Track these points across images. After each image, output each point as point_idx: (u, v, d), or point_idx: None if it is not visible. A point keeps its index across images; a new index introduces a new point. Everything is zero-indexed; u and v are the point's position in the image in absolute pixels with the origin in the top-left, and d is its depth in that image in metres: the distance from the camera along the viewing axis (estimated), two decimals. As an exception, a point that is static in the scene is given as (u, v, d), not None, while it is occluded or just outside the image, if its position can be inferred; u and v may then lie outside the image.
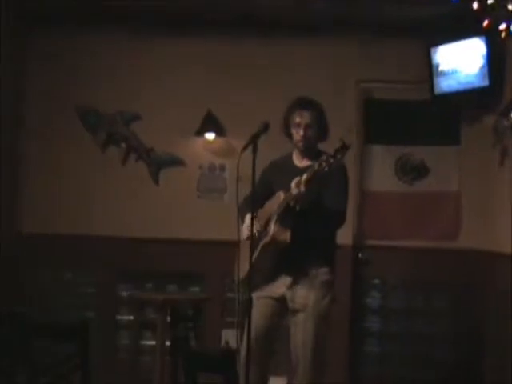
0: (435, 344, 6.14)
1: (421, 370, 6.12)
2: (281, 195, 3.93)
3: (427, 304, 6.22)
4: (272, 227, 3.92)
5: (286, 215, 3.90)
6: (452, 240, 6.14)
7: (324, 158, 3.70)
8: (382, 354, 6.26)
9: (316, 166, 3.72)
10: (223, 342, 6.04)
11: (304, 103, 4.12)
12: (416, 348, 6.18)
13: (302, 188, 3.75)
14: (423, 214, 6.21)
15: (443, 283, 6.12)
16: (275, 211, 3.94)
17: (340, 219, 4.02)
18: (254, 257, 3.88)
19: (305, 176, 3.76)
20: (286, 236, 3.90)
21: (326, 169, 3.68)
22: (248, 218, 3.96)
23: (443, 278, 6.09)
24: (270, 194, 4.09)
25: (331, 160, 3.68)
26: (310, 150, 4.13)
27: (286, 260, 3.98)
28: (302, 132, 4.07)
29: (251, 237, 3.73)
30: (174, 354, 5.45)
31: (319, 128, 4.11)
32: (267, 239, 3.94)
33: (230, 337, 5.95)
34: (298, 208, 3.84)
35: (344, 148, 3.70)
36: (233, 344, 5.76)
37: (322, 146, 4.17)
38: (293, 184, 3.80)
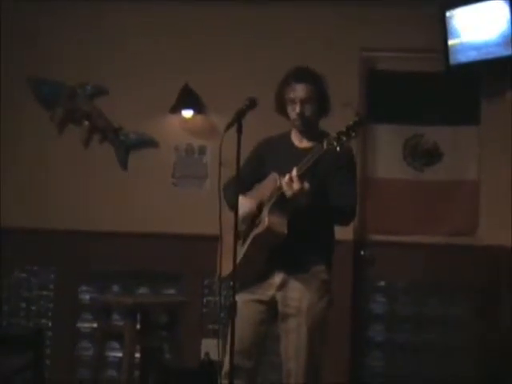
0: (451, 358, 6.13)
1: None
2: (277, 178, 3.89)
3: (441, 310, 6.21)
4: (267, 215, 3.87)
5: (283, 202, 3.86)
6: (469, 235, 6.15)
7: (334, 135, 3.64)
8: (387, 368, 6.26)
9: (325, 144, 3.65)
10: (203, 354, 6.03)
11: (299, 75, 4.07)
12: (428, 362, 6.16)
13: (296, 186, 3.71)
14: (436, 205, 6.22)
15: (459, 286, 6.12)
16: (269, 198, 3.90)
17: (350, 214, 4.00)
18: (244, 250, 3.84)
19: (295, 172, 3.70)
20: (283, 227, 3.86)
21: (338, 149, 3.63)
22: (241, 198, 3.90)
23: (459, 280, 6.09)
24: (261, 176, 4.05)
25: (344, 138, 3.63)
26: (310, 130, 4.09)
27: (279, 255, 3.95)
28: (298, 109, 4.03)
29: (236, 226, 3.68)
30: (144, 368, 5.44)
31: (319, 103, 4.07)
32: (261, 229, 3.88)
33: (210, 348, 5.94)
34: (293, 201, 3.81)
35: (359, 124, 3.65)
36: (214, 356, 5.75)
37: (322, 125, 4.14)
38: (284, 182, 3.74)
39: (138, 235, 6.14)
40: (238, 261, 3.69)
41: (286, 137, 4.17)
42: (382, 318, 6.27)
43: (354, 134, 3.64)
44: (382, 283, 6.28)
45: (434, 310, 6.21)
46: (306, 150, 3.95)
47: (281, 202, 3.85)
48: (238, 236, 3.81)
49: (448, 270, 6.06)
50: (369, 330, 6.28)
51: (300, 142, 4.12)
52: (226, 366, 3.83)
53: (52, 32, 6.29)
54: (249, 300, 3.98)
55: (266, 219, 3.86)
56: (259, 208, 3.96)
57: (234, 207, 3.79)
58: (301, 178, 3.73)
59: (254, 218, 3.96)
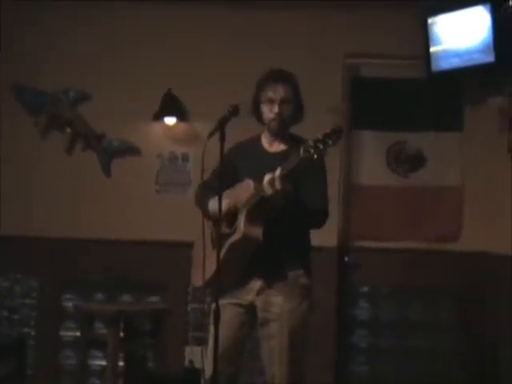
0: (434, 363, 6.14)
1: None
2: (250, 185, 3.88)
3: (424, 315, 6.22)
4: (242, 222, 3.87)
5: (258, 209, 3.86)
6: (453, 241, 6.17)
7: (311, 143, 3.61)
8: (372, 374, 6.26)
9: (301, 152, 3.61)
10: (187, 362, 6.01)
11: (278, 75, 4.08)
12: (412, 367, 6.18)
13: (278, 185, 3.71)
14: (419, 211, 6.24)
15: (443, 291, 6.14)
16: (244, 204, 3.90)
17: (322, 217, 3.99)
18: (220, 258, 3.82)
19: (279, 171, 3.70)
20: (259, 233, 3.86)
21: (315, 156, 3.62)
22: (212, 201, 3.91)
23: (443, 285, 6.11)
24: (233, 182, 4.05)
25: (320, 146, 3.62)
26: (283, 132, 4.09)
27: (257, 261, 3.94)
28: (276, 109, 4.02)
29: (218, 234, 3.67)
30: (128, 376, 5.43)
31: (295, 106, 4.08)
32: (237, 237, 3.89)
33: (194, 355, 5.93)
34: (272, 204, 3.81)
35: (337, 132, 3.64)
36: (198, 364, 5.73)
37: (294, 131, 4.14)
38: (265, 182, 3.75)
39: (122, 242, 6.12)
40: (215, 269, 3.72)
41: (256, 141, 4.15)
42: (366, 324, 6.27)
43: (330, 142, 3.61)
44: (366, 289, 6.28)
45: (417, 315, 6.22)
46: (276, 154, 3.98)
47: (256, 209, 3.85)
48: (212, 243, 3.83)
49: (432, 276, 6.07)
50: (353, 335, 6.28)
51: (270, 145, 4.11)
52: (209, 372, 3.83)
53: (36, 38, 6.26)
54: (228, 304, 3.96)
55: (241, 226, 3.86)
56: (233, 210, 3.95)
57: (209, 213, 3.80)
58: (283, 178, 3.71)
59: (227, 218, 3.96)
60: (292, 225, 3.92)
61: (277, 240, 3.88)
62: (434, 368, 6.11)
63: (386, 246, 6.15)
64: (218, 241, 3.70)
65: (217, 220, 3.79)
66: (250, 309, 4.01)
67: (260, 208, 3.83)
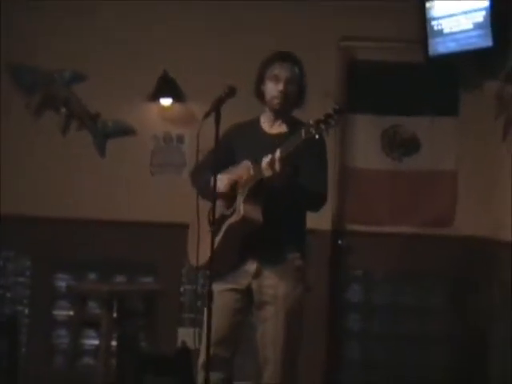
0: (428, 347, 6.15)
1: (411, 377, 6.13)
2: (249, 167, 3.87)
3: (418, 299, 6.23)
4: (242, 204, 3.86)
5: (257, 190, 3.85)
6: (447, 226, 6.18)
7: (312, 123, 3.59)
8: (364, 359, 6.27)
9: (303, 133, 3.60)
10: (179, 343, 6.02)
11: (287, 55, 4.07)
12: (405, 351, 6.18)
13: (278, 167, 3.70)
14: (414, 195, 6.24)
15: (437, 275, 6.15)
16: (243, 185, 3.89)
17: (321, 200, 3.99)
18: (217, 240, 3.82)
19: (278, 153, 3.69)
20: (258, 215, 3.85)
21: (317, 137, 3.60)
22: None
23: (437, 270, 6.11)
24: (229, 163, 4.04)
25: (322, 126, 3.59)
26: (284, 113, 4.08)
27: (253, 243, 3.94)
28: (281, 86, 4.00)
29: (213, 215, 3.67)
30: (120, 355, 5.45)
31: (299, 88, 4.07)
32: (236, 219, 3.87)
33: (187, 336, 5.94)
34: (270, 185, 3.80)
35: (338, 112, 3.60)
36: (191, 345, 5.75)
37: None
38: (264, 163, 3.73)
39: (116, 223, 6.12)
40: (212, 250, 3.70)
41: (255, 123, 4.14)
42: (359, 308, 6.29)
43: (333, 123, 3.60)
44: (360, 273, 6.29)
45: (410, 300, 6.23)
46: (276, 136, 3.96)
47: (255, 190, 3.84)
48: (209, 224, 3.83)
49: (425, 260, 6.07)
50: (346, 319, 6.29)
51: (270, 127, 4.10)
52: (203, 357, 3.85)
53: (30, 18, 6.23)
54: (224, 289, 3.97)
55: (240, 208, 3.86)
56: (232, 188, 3.94)
57: (206, 193, 3.78)
58: (282, 160, 3.70)
59: (227, 197, 3.95)
60: (290, 207, 3.93)
61: (274, 222, 3.88)
62: (426, 352, 6.13)
63: (380, 230, 6.16)
64: (213, 220, 3.67)
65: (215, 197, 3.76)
66: (246, 293, 4.01)
67: (259, 190, 3.83)
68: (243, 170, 3.91)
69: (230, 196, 3.93)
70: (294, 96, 4.05)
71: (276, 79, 4.02)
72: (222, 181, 3.93)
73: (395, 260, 6.14)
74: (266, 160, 3.74)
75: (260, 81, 4.09)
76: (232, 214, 3.91)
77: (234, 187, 3.94)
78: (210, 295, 3.66)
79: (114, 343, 5.39)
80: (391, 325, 6.26)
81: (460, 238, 6.06)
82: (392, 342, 6.23)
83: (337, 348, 6.26)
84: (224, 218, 3.93)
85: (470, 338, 6.02)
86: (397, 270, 6.21)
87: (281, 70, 4.02)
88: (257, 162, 3.81)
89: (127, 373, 5.27)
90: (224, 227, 3.92)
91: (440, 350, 6.14)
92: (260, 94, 4.10)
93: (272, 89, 4.03)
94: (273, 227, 3.89)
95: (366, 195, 6.25)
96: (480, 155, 5.99)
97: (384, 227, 6.16)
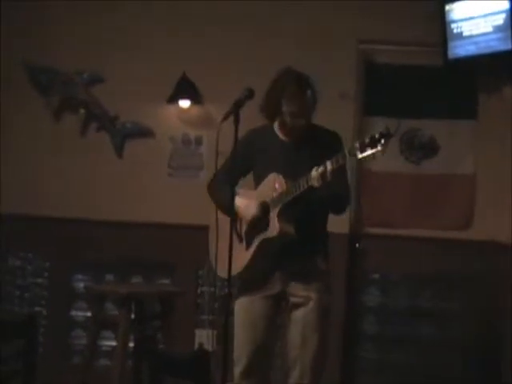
0: (444, 351, 6.14)
1: (427, 380, 6.12)
2: (281, 180, 3.87)
3: (435, 303, 6.23)
4: (276, 220, 3.87)
5: (291, 204, 3.86)
6: (464, 230, 6.17)
7: (357, 145, 3.56)
8: (380, 362, 6.27)
9: (347, 153, 3.61)
10: (196, 344, 6.03)
11: (300, 81, 3.94)
12: (421, 355, 6.18)
13: (330, 178, 3.69)
14: (431, 199, 6.23)
15: (454, 279, 6.14)
16: (276, 200, 3.88)
17: (347, 203, 4.02)
18: (251, 253, 3.88)
19: (330, 165, 3.66)
20: (291, 228, 3.88)
21: (359, 156, 3.58)
22: (238, 199, 3.88)
23: (454, 274, 6.11)
24: (247, 170, 4.05)
25: (368, 150, 3.54)
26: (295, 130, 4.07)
27: (284, 251, 3.95)
28: (296, 108, 3.90)
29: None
30: (137, 356, 5.45)
31: (313, 105, 4.04)
32: (271, 235, 3.89)
33: (204, 338, 5.95)
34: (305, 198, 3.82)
35: (386, 136, 3.53)
36: (208, 346, 5.76)
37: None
38: (316, 174, 3.70)
39: (133, 224, 6.14)
40: (245, 263, 3.84)
41: (270, 129, 4.08)
42: (376, 311, 6.28)
43: (380, 148, 3.54)
44: (377, 276, 6.29)
45: (427, 303, 6.22)
46: (292, 143, 3.95)
47: (289, 204, 3.85)
48: (238, 236, 3.89)
49: (442, 264, 6.07)
50: (362, 322, 6.29)
51: (285, 135, 4.05)
52: (240, 366, 3.91)
53: (50, 19, 6.26)
54: (256, 298, 3.99)
55: (276, 225, 3.85)
56: (263, 210, 3.94)
57: (228, 207, 3.77)
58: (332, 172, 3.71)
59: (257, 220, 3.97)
60: (319, 213, 3.96)
61: (305, 230, 3.88)
62: (442, 356, 6.11)
63: (397, 234, 6.15)
64: (230, 246, 3.65)
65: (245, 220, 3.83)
66: (278, 298, 4.01)
67: (293, 203, 3.84)
68: (271, 182, 3.91)
69: (261, 217, 3.95)
70: (310, 114, 4.02)
71: (293, 97, 3.91)
72: (250, 208, 3.95)
73: (412, 263, 6.13)
74: (318, 171, 3.71)
75: (273, 100, 4.01)
76: (265, 228, 3.91)
77: (265, 208, 3.94)
78: (228, 298, 3.68)
79: (131, 344, 5.39)
80: (407, 328, 6.25)
81: (477, 242, 6.04)
82: (408, 345, 6.22)
83: (352, 350, 6.25)
84: (253, 231, 3.95)
85: (486, 341, 6.00)
86: (414, 274, 6.20)
87: (295, 100, 3.90)
88: (286, 175, 3.83)
89: (144, 374, 5.28)
90: (256, 241, 3.93)
91: (456, 353, 6.12)
92: (272, 111, 4.04)
93: (290, 105, 3.91)
94: (303, 235, 3.89)
95: (383, 198, 6.25)
96: (498, 159, 5.97)
97: (401, 230, 6.15)
